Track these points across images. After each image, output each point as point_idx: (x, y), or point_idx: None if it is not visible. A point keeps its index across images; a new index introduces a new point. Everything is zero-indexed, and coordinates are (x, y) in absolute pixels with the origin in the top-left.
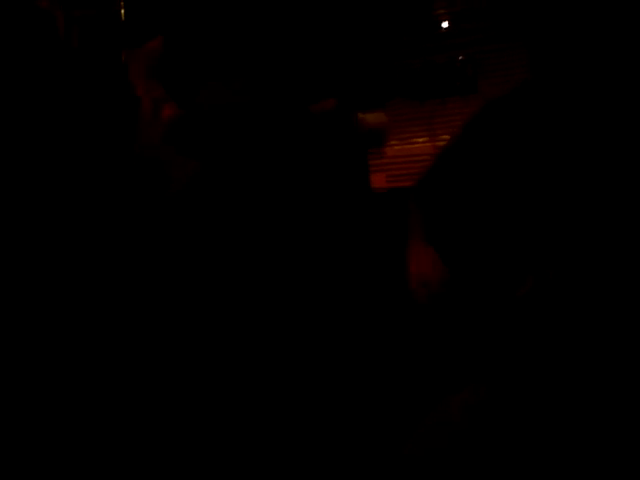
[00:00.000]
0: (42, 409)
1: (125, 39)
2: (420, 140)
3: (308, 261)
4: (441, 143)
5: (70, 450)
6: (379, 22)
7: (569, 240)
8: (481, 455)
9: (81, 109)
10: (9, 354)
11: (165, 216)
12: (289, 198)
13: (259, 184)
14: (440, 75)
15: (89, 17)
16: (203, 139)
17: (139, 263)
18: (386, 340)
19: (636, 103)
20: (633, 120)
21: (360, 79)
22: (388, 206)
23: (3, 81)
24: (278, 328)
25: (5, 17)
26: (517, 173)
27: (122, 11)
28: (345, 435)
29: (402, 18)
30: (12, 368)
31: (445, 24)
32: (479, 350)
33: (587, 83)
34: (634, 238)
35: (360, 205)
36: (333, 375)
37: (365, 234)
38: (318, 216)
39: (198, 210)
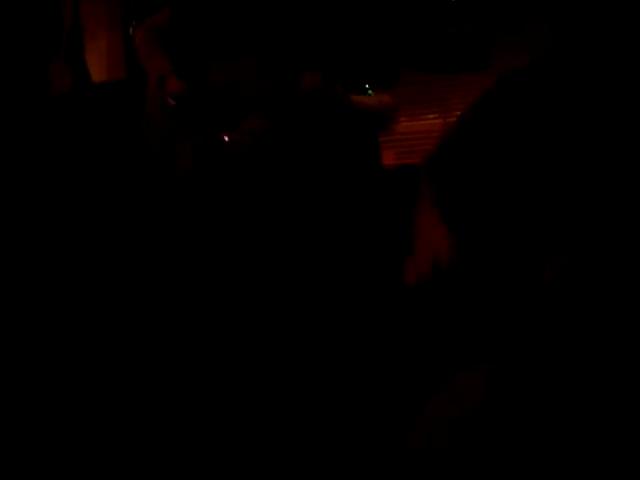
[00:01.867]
0: (42, 409)
1: (133, 12)
2: (431, 117)
3: (316, 240)
4: (452, 120)
5: (70, 450)
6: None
7: (579, 225)
8: (483, 446)
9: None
10: (9, 354)
11: (171, 201)
12: (297, 174)
13: (266, 161)
14: (451, 48)
15: None
16: (207, 113)
17: (141, 257)
18: (387, 328)
19: None
20: None
21: (368, 53)
22: (398, 182)
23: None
24: (281, 312)
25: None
26: (528, 149)
27: None
28: (344, 429)
29: None
30: (12, 368)
31: None
32: (482, 332)
33: (602, 64)
34: None
35: (371, 181)
36: (333, 367)
37: (375, 209)
38: (328, 193)
39: (204, 191)
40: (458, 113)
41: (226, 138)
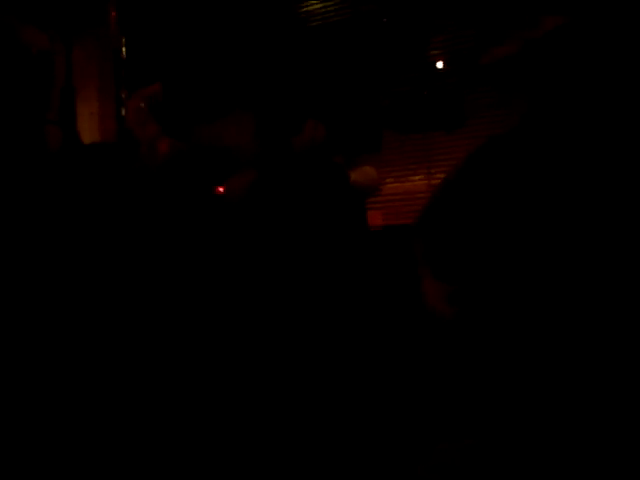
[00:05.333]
0: (42, 409)
1: (125, 78)
2: (416, 178)
3: (304, 299)
4: (437, 181)
5: (70, 450)
6: (375, 60)
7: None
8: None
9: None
10: (9, 354)
11: (162, 256)
12: (287, 232)
13: (255, 217)
14: (427, 108)
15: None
16: (197, 173)
17: (142, 267)
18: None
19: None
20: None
21: (352, 114)
22: (385, 243)
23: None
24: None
25: (2, 56)
26: (516, 209)
27: (123, 49)
28: (344, 432)
29: (398, 57)
30: (12, 368)
31: (440, 64)
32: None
33: (585, 125)
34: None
35: (358, 242)
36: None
37: (363, 270)
38: (317, 251)
39: (196, 245)
40: (442, 174)
41: (217, 192)
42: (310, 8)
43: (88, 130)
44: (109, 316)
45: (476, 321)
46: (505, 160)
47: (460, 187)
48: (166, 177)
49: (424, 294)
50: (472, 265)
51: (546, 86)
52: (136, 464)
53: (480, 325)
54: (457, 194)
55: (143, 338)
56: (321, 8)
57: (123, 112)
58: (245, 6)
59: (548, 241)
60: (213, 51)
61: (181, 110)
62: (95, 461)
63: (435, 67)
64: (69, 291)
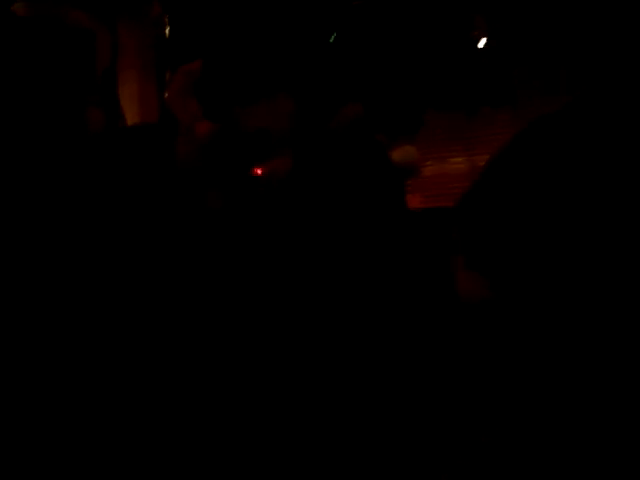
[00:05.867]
0: (42, 409)
1: (169, 57)
2: (456, 160)
3: (339, 281)
4: (478, 163)
5: (70, 450)
6: (417, 38)
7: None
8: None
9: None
10: (9, 354)
11: (201, 240)
12: (323, 215)
13: (293, 199)
14: (472, 85)
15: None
16: (237, 155)
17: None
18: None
19: None
20: None
21: (393, 94)
22: (423, 226)
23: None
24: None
25: (45, 37)
26: (562, 198)
27: (167, 30)
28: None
29: (440, 36)
30: (12, 368)
31: (482, 43)
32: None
33: (634, 108)
34: None
35: (396, 225)
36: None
37: (400, 253)
38: (353, 233)
39: (232, 230)
40: (483, 156)
41: (255, 176)
42: None
43: (130, 112)
44: (135, 301)
45: (511, 315)
46: (555, 145)
47: (504, 173)
48: (204, 160)
49: (457, 281)
50: (512, 257)
51: (601, 69)
52: (136, 464)
53: (515, 319)
54: (501, 180)
55: (167, 323)
56: None
57: (166, 93)
58: None
59: (599, 236)
60: (254, 31)
61: (221, 90)
62: (95, 461)
63: (479, 45)
64: (108, 275)
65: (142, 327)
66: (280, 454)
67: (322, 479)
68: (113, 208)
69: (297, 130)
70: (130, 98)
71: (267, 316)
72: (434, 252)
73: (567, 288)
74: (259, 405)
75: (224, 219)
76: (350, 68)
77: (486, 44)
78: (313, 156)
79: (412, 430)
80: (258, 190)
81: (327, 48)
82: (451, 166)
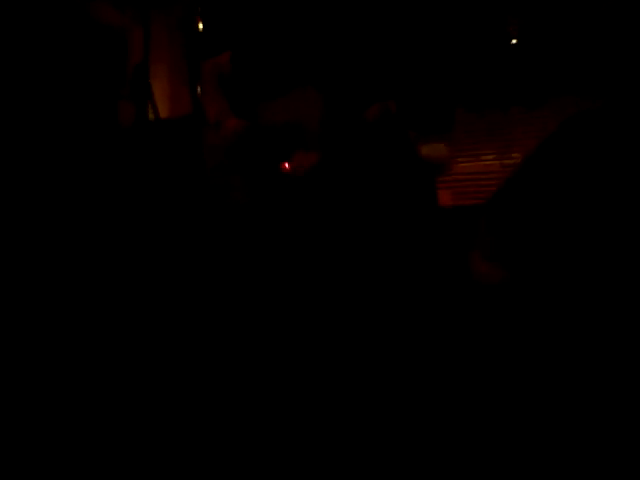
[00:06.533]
0: (42, 409)
1: (202, 51)
2: (487, 158)
3: (368, 276)
4: (508, 161)
5: (70, 450)
6: (447, 36)
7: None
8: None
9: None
10: (10, 354)
11: (228, 230)
12: (350, 210)
13: (320, 194)
14: (505, 86)
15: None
16: (264, 149)
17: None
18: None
19: None
20: None
21: (425, 91)
22: (454, 223)
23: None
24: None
25: (77, 35)
26: (594, 199)
27: (200, 25)
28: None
29: (472, 33)
30: (12, 368)
31: (514, 40)
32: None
33: None
34: None
35: (427, 220)
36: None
37: (431, 248)
38: (385, 228)
39: (258, 221)
40: (515, 154)
41: (283, 169)
42: None
43: (161, 105)
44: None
45: (525, 305)
46: (589, 145)
47: (536, 174)
48: (231, 155)
49: (475, 272)
50: (540, 254)
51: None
52: (136, 463)
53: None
54: (533, 180)
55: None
56: None
57: (198, 88)
58: None
59: (620, 233)
60: (282, 26)
61: (248, 85)
62: (95, 460)
63: (512, 43)
64: (143, 261)
65: (166, 314)
66: (280, 452)
67: (322, 479)
68: (141, 199)
69: (325, 125)
70: (161, 92)
71: (292, 309)
72: (462, 249)
73: (583, 281)
74: (265, 401)
75: (250, 212)
76: (380, 65)
77: (519, 43)
78: (341, 151)
79: (413, 430)
80: (285, 184)
81: (356, 44)
82: (482, 164)
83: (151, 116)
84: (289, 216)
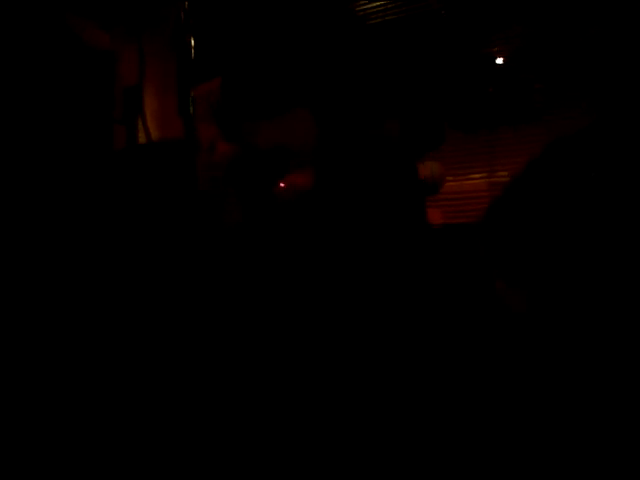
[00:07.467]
0: (42, 409)
1: (194, 77)
2: (477, 176)
3: (358, 296)
4: (498, 180)
5: (70, 450)
6: (434, 57)
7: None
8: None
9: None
10: (11, 354)
11: (218, 252)
12: (343, 229)
13: (313, 214)
14: (493, 103)
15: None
16: (256, 172)
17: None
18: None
19: None
20: None
21: (414, 112)
22: (444, 242)
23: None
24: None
25: (66, 58)
26: (582, 215)
27: (192, 51)
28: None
29: (456, 54)
30: (13, 368)
31: (500, 60)
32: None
33: None
34: None
35: (417, 240)
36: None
37: (421, 268)
38: (375, 245)
39: (251, 243)
40: (504, 172)
41: (275, 191)
42: (369, 5)
43: (153, 128)
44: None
45: (554, 324)
46: (577, 163)
47: (527, 189)
48: (224, 178)
49: (500, 296)
50: (542, 269)
51: (623, 90)
52: (136, 463)
53: (558, 329)
54: (525, 195)
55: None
56: (381, 5)
57: (191, 110)
58: (304, 5)
59: (622, 248)
60: (273, 49)
61: (239, 108)
62: (95, 460)
63: (497, 63)
64: (133, 281)
65: (159, 331)
66: (280, 452)
67: (322, 479)
68: (134, 221)
69: (317, 146)
70: (153, 114)
71: (284, 328)
72: (453, 267)
73: (602, 295)
74: (266, 403)
75: (243, 234)
76: (369, 86)
77: (505, 61)
78: (334, 172)
79: (414, 429)
80: (277, 205)
81: (345, 67)
82: (471, 183)
83: (143, 139)
84: (283, 237)
